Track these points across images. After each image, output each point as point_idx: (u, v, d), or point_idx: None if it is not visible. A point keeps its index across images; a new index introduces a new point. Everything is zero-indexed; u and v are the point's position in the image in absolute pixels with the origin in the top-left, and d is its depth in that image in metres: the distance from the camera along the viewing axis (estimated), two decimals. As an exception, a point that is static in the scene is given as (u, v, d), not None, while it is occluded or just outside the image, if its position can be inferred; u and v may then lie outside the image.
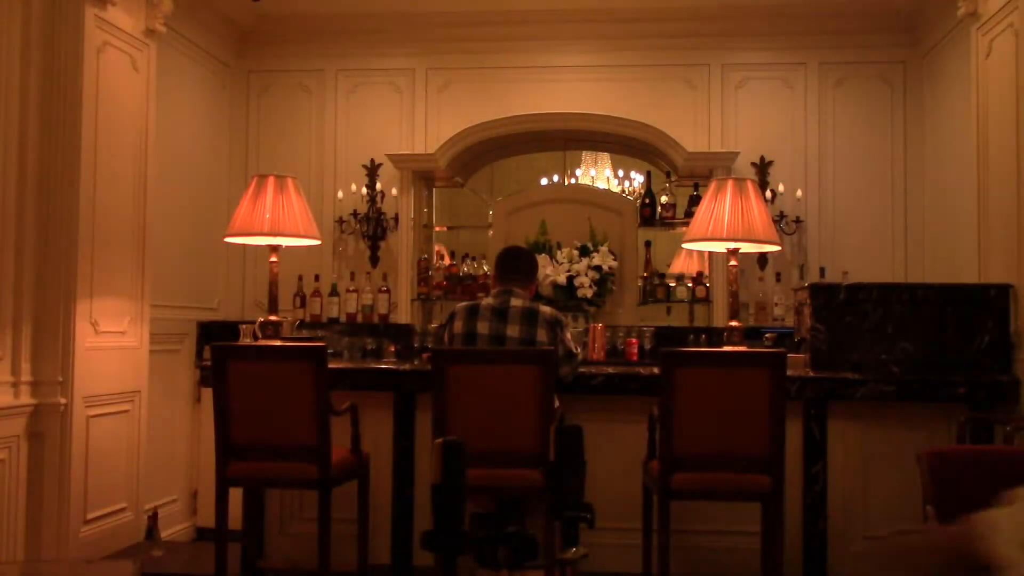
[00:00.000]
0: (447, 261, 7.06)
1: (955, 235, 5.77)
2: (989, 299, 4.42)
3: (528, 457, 3.83)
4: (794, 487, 4.25)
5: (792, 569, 4.23)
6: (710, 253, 6.39)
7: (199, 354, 6.32)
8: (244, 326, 5.14)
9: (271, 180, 4.51)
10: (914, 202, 6.55)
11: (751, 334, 5.30)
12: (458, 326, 4.16)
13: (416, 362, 5.08)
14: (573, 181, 7.91)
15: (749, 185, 4.34)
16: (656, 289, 6.68)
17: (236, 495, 4.19)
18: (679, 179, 6.83)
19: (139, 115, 5.19)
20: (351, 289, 6.68)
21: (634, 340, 6.13)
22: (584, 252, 6.51)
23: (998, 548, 2.06)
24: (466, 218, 8.06)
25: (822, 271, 6.37)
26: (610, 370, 4.49)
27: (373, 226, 6.80)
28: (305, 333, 6.27)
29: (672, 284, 6.69)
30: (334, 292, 6.64)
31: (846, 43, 6.63)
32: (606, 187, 7.97)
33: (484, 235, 7.23)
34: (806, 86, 6.69)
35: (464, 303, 4.28)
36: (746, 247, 4.50)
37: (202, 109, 6.61)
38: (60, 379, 4.49)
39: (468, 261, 6.94)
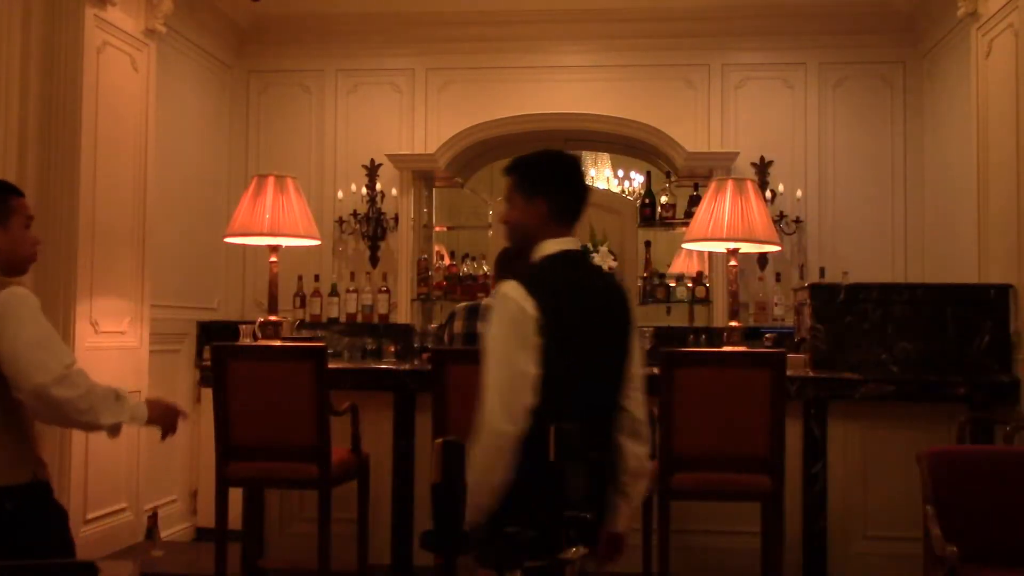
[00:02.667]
0: (447, 261, 7.06)
1: (955, 235, 5.77)
2: (989, 299, 4.42)
3: (528, 457, 3.82)
4: (794, 487, 4.25)
5: (792, 569, 4.23)
6: (710, 253, 6.39)
7: (199, 354, 6.31)
8: (244, 326, 5.15)
9: (271, 180, 4.52)
10: (914, 202, 6.54)
11: (751, 334, 5.30)
12: (458, 326, 4.16)
13: (416, 362, 5.07)
14: (573, 181, 7.88)
15: (749, 185, 4.35)
16: (656, 289, 6.67)
17: (236, 495, 4.19)
18: (679, 179, 6.83)
19: (139, 115, 5.19)
20: (351, 289, 6.67)
21: (634, 340, 6.11)
22: (584, 252, 6.51)
23: None
24: (466, 218, 8.05)
25: (822, 271, 6.36)
26: (610, 370, 4.48)
27: (373, 226, 6.80)
28: (305, 333, 6.27)
29: (672, 284, 6.67)
30: (334, 292, 6.63)
31: (846, 43, 6.62)
32: (606, 187, 7.97)
33: (484, 235, 7.23)
34: (806, 86, 6.68)
35: (464, 303, 4.29)
36: (746, 247, 4.51)
37: (202, 109, 6.61)
38: (60, 379, 4.48)
39: (468, 261, 6.93)
